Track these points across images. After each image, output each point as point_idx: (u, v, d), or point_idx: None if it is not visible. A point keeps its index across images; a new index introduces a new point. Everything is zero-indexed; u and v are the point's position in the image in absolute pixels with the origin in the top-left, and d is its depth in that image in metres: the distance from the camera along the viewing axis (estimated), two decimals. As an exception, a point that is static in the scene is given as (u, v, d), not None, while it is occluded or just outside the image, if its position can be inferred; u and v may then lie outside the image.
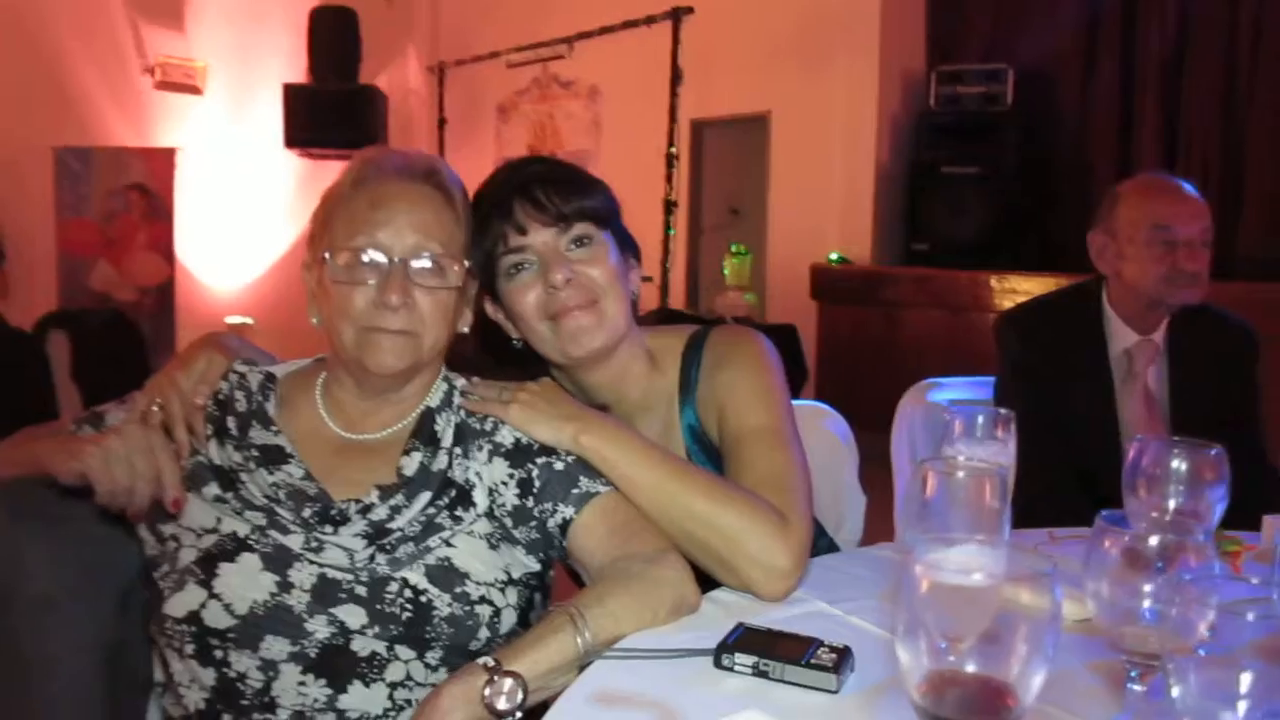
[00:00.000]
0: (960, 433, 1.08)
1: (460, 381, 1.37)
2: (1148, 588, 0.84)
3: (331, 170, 10.10)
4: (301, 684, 1.15)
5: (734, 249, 6.03)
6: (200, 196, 8.57)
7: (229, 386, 1.33)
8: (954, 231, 6.29)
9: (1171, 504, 1.11)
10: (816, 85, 6.78)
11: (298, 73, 8.62)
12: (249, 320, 8.20)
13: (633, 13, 6.14)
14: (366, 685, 1.16)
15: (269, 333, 7.53)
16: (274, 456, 1.27)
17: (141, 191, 8.27)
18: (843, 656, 1.01)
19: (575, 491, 1.25)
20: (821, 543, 1.65)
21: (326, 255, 1.27)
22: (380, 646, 1.16)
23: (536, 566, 1.28)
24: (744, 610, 1.17)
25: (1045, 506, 1.57)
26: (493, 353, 1.50)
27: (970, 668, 0.67)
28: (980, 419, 1.09)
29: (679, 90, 5.69)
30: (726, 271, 6.04)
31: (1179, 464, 1.12)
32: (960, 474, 0.84)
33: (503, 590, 1.22)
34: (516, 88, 8.93)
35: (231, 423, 1.30)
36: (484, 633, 1.19)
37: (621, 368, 1.48)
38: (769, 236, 7.21)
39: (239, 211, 8.82)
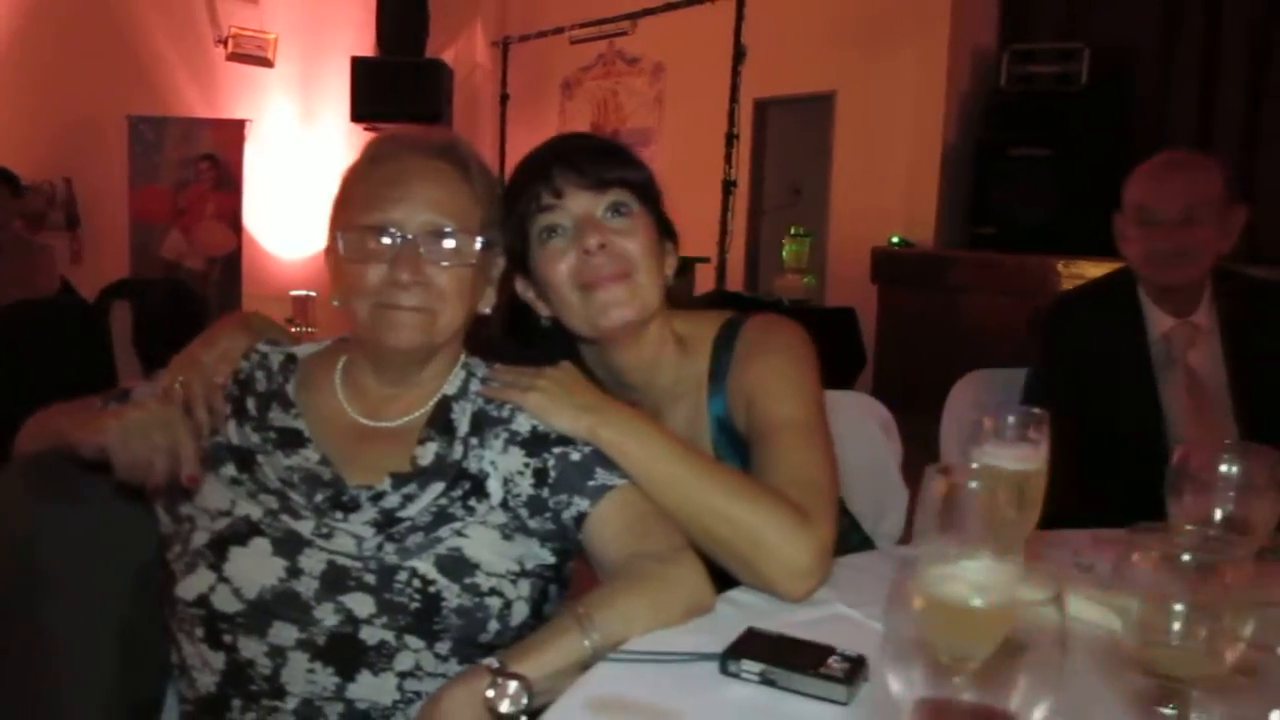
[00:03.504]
0: (990, 433, 1.03)
1: (481, 369, 1.35)
2: (1179, 608, 0.78)
3: (395, 144, 10.16)
4: (310, 671, 1.14)
5: (793, 231, 5.95)
6: (268, 168, 8.68)
7: (250, 366, 1.32)
8: (1020, 215, 6.13)
9: (1219, 513, 1.05)
10: (884, 64, 6.64)
11: (366, 46, 8.67)
12: (312, 293, 8.30)
13: (697, -12, 6.06)
14: (375, 674, 1.15)
15: (331, 305, 7.60)
16: (291, 440, 1.26)
17: (211, 162, 8.41)
18: (856, 666, 0.96)
19: (591, 484, 1.21)
20: (855, 538, 1.60)
21: (341, 234, 1.26)
22: (389, 636, 1.15)
23: (551, 559, 1.25)
24: (761, 612, 1.13)
25: (1084, 507, 1.50)
26: (519, 336, 1.47)
27: (967, 696, 0.63)
28: (1011, 419, 1.03)
29: (741, 69, 5.60)
30: (785, 254, 5.96)
31: (1228, 468, 1.05)
32: (973, 481, 0.79)
33: (514, 582, 1.19)
34: (582, 64, 8.89)
35: (251, 403, 1.29)
36: (494, 625, 1.17)
37: (653, 350, 1.44)
38: (831, 218, 7.10)
39: (305, 184, 8.91)
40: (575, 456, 1.23)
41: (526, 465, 1.24)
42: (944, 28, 6.49)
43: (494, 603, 1.17)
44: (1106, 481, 1.94)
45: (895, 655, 0.64)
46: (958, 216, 6.53)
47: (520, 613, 1.20)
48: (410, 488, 1.23)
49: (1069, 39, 6.23)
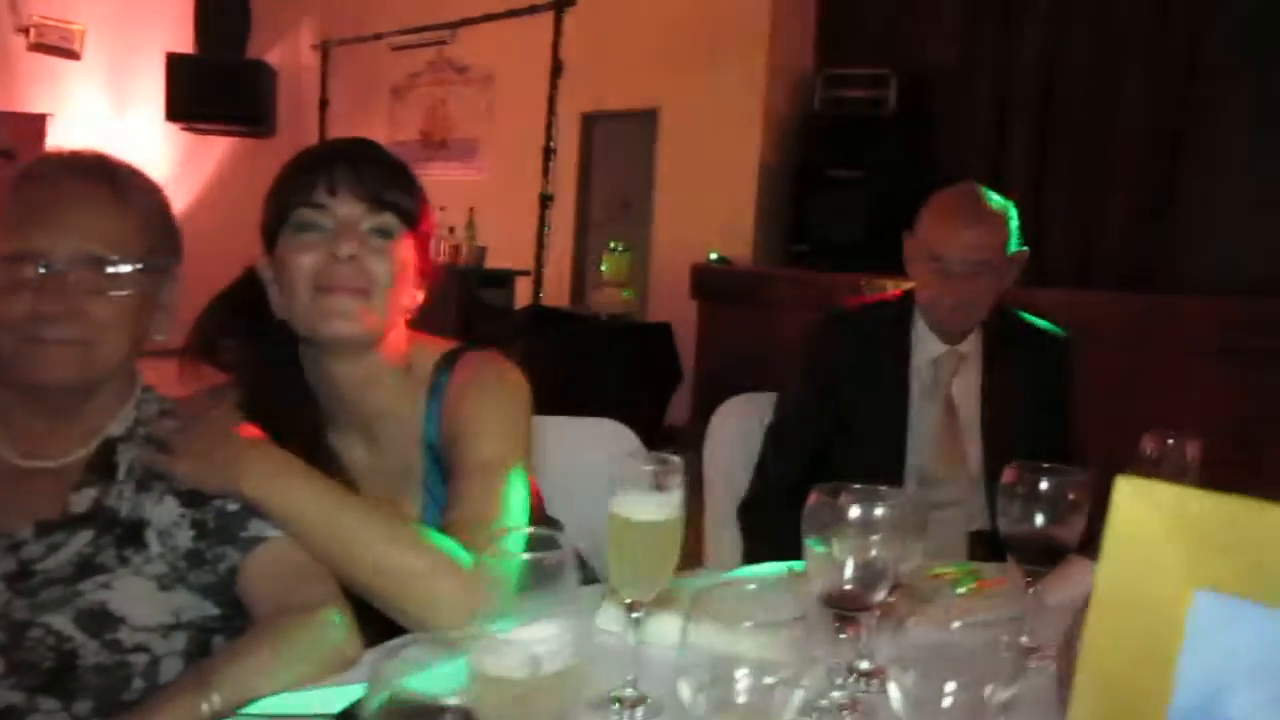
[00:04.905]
0: (622, 483, 1.03)
1: (154, 407, 1.28)
2: (739, 672, 0.79)
3: (215, 145, 9.72)
4: (-74, 740, 1.06)
5: (612, 246, 5.99)
6: (72, 167, 8.21)
7: None
8: (834, 234, 6.32)
9: (851, 564, 1.06)
10: (705, 82, 6.75)
11: (183, 42, 8.33)
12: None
13: (518, 1, 6.03)
14: (2, 740, 1.07)
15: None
16: (-71, 486, 1.17)
17: (7, 158, 7.88)
18: (473, 724, 0.95)
19: (243, 535, 1.17)
20: (579, 575, 1.59)
21: None
22: (18, 698, 1.07)
23: (216, 610, 1.20)
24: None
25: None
26: (244, 317, 1.41)
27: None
28: (646, 468, 1.03)
29: (559, 83, 5.60)
30: (604, 268, 5.99)
31: (857, 511, 1.07)
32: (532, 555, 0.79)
33: (165, 636, 1.14)
34: (412, 70, 8.73)
35: (-119, 448, 1.19)
36: (139, 682, 1.11)
37: (371, 371, 1.39)
38: (654, 234, 7.17)
39: (114, 184, 8.47)
40: (232, 507, 1.18)
41: (183, 517, 1.19)
42: (763, 49, 6.65)
43: (139, 659, 1.11)
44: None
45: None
46: (776, 235, 6.70)
47: (171, 668, 1.14)
48: (57, 536, 1.15)
49: (881, 64, 6.47)
